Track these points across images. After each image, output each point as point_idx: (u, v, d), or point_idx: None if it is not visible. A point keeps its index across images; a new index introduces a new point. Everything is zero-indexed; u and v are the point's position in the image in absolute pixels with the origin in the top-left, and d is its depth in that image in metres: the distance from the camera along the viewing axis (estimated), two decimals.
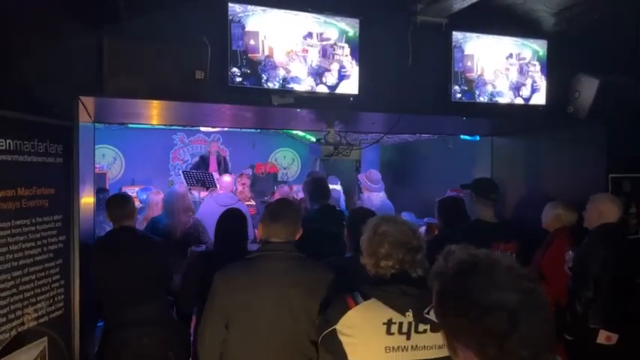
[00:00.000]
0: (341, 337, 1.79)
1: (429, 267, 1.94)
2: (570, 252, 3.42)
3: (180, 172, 7.83)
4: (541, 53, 3.70)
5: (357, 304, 1.80)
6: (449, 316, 0.98)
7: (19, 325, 2.33)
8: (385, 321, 1.77)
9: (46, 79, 2.70)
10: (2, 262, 2.24)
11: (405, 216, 5.37)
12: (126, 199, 3.33)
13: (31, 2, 2.55)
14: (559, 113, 3.76)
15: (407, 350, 1.76)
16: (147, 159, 8.32)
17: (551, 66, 3.72)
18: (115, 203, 3.27)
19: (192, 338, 3.25)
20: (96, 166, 4.82)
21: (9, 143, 2.29)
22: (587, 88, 3.57)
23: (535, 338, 0.93)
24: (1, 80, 2.57)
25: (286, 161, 9.46)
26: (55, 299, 2.61)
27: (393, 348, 1.76)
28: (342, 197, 6.13)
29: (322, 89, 3.14)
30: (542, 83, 3.73)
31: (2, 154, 2.25)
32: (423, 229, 4.95)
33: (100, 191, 4.95)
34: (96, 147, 4.13)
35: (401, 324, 1.77)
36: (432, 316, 1.11)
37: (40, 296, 2.49)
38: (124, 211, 3.23)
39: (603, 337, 3.06)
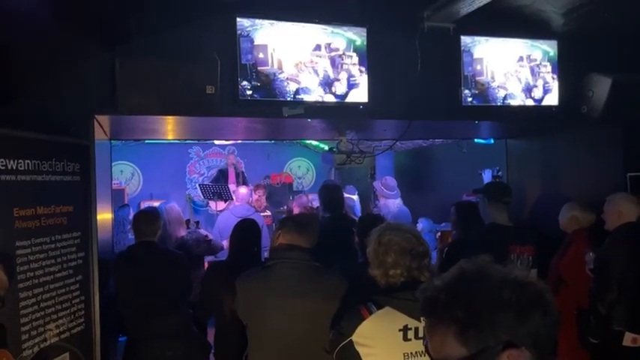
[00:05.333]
0: (358, 348, 1.79)
1: (435, 270, 1.95)
2: (591, 253, 3.36)
3: (197, 185, 7.92)
4: (552, 54, 3.67)
5: (371, 313, 1.81)
6: (450, 324, 0.96)
7: (42, 342, 2.38)
8: (401, 327, 1.78)
9: (62, 100, 2.77)
10: (24, 279, 2.29)
11: (423, 222, 5.34)
12: (156, 217, 3.35)
13: (47, 26, 2.64)
14: (573, 113, 3.71)
15: (425, 355, 1.76)
16: (164, 173, 8.42)
17: (563, 66, 3.69)
18: (146, 220, 3.30)
19: (212, 350, 3.28)
20: (114, 182, 4.91)
21: (27, 163, 2.35)
22: (601, 87, 3.53)
23: (542, 337, 0.92)
24: (19, 102, 2.65)
25: (301, 171, 9.49)
26: (76, 315, 2.65)
27: (412, 354, 1.77)
28: (359, 206, 6.12)
29: (332, 99, 3.16)
30: (554, 84, 3.69)
31: (22, 174, 2.32)
32: (438, 235, 4.91)
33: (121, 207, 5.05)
34: (113, 163, 4.23)
35: (417, 329, 1.78)
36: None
37: (61, 312, 2.54)
38: (154, 227, 3.28)
39: (629, 339, 2.99)
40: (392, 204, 5.19)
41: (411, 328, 1.78)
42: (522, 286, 0.96)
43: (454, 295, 0.97)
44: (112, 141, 4.14)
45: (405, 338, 1.77)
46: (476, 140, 5.32)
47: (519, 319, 0.92)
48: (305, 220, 2.49)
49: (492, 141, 5.27)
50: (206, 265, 4.34)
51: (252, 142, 7.52)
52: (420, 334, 1.78)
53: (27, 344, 2.28)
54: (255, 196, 6.41)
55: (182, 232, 4.12)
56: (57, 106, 2.74)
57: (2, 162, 2.21)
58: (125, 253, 3.39)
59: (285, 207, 6.83)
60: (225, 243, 4.78)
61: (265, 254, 3.65)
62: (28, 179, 2.35)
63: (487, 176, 5.19)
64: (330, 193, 3.88)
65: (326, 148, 7.52)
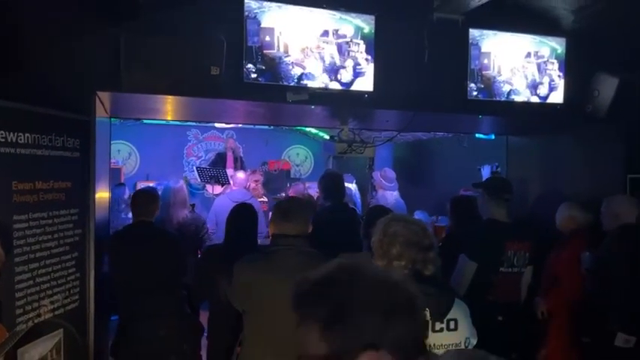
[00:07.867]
0: None
1: (440, 265, 1.93)
2: (587, 253, 3.37)
3: (194, 168, 7.87)
4: (559, 51, 3.65)
5: None
6: (315, 321, 0.92)
7: (36, 317, 2.36)
8: None
9: (64, 74, 2.72)
10: (20, 254, 2.27)
11: (418, 215, 5.33)
12: (154, 198, 3.34)
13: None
14: (577, 112, 3.70)
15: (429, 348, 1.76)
16: (161, 155, 8.36)
17: (570, 64, 3.67)
18: (144, 200, 3.28)
19: (205, 333, 3.28)
20: (111, 161, 4.87)
21: (27, 137, 2.32)
22: (607, 87, 3.52)
23: (407, 341, 0.90)
24: (20, 74, 2.60)
25: (299, 158, 9.45)
26: (71, 291, 2.64)
27: None
28: (358, 195, 6.11)
29: (337, 86, 3.13)
30: (560, 82, 3.68)
31: (21, 148, 2.28)
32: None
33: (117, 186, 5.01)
34: (111, 142, 4.17)
35: None
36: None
37: (56, 288, 2.52)
38: (152, 208, 3.26)
39: (621, 339, 3.01)
40: (389, 196, 5.20)
41: None
42: (393, 289, 0.93)
43: (321, 293, 0.94)
44: (112, 119, 4.09)
45: None
46: (477, 135, 5.31)
47: (385, 322, 0.89)
48: (287, 206, 2.44)
49: (493, 136, 5.26)
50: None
51: (252, 127, 7.47)
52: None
53: (21, 319, 2.27)
54: (252, 184, 6.36)
55: (184, 214, 4.10)
56: (59, 81, 2.70)
57: (2, 134, 2.17)
58: (121, 232, 3.37)
59: (280, 195, 6.79)
60: (212, 227, 4.76)
61: (260, 240, 3.64)
62: (27, 153, 2.32)
63: (486, 172, 5.18)
64: (332, 182, 3.84)
65: (326, 136, 7.49)
